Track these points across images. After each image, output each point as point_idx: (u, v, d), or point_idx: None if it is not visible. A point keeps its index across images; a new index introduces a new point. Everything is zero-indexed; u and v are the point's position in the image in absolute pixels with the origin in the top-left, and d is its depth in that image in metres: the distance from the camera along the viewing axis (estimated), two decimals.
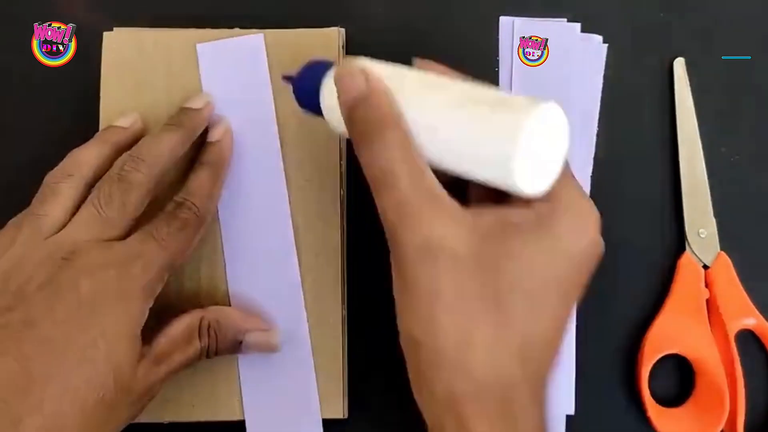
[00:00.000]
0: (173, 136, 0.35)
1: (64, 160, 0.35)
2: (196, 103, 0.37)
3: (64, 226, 0.32)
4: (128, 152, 0.34)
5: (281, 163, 0.38)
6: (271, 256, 0.38)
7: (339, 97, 0.30)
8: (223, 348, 0.35)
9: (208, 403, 0.37)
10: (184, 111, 0.37)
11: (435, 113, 0.28)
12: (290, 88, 0.34)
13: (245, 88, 0.39)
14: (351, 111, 0.29)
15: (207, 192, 0.35)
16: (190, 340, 0.34)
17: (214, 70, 0.39)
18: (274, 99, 0.39)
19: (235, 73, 0.39)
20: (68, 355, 0.29)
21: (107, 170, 0.34)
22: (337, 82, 0.30)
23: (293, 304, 0.37)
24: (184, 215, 0.34)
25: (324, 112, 0.32)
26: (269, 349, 0.37)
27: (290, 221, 0.38)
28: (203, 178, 0.36)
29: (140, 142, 0.35)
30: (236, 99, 0.39)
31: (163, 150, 0.35)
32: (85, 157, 0.35)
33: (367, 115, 0.29)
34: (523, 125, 0.26)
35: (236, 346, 0.35)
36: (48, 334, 0.29)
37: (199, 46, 0.39)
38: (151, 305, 0.32)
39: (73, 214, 0.33)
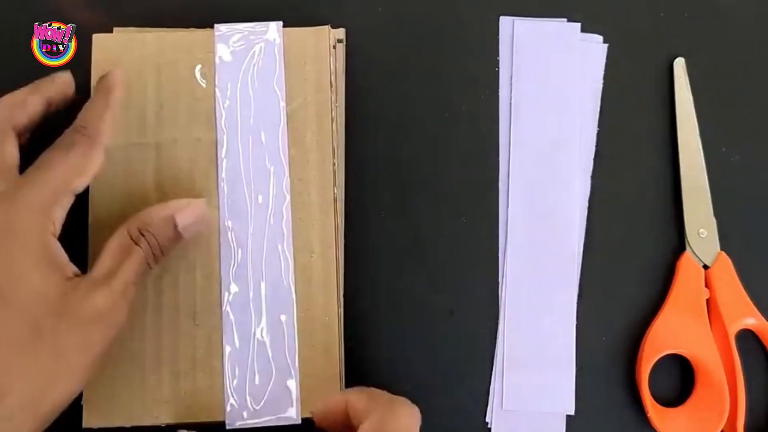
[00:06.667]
0: (21, 89, 0.36)
1: None
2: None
3: None
4: None
5: (286, 158, 0.38)
6: (270, 254, 0.38)
7: None
8: (165, 241, 0.35)
9: (205, 404, 0.37)
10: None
11: None
12: None
13: (260, 76, 0.39)
14: None
15: (96, 114, 0.35)
16: (128, 251, 0.34)
17: (231, 54, 0.39)
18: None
19: (252, 59, 0.39)
20: None
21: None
22: None
23: (287, 302, 0.38)
24: (70, 137, 0.34)
25: None
26: (204, 219, 0.37)
27: (290, 220, 0.38)
28: (92, 103, 0.36)
29: None
30: (249, 88, 0.39)
31: (7, 100, 0.35)
32: None
33: None
34: None
35: (176, 234, 0.35)
36: None
37: (217, 27, 0.39)
38: (55, 231, 0.32)
39: None
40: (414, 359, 0.40)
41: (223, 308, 0.37)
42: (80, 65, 0.42)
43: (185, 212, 0.36)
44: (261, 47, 0.39)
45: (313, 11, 0.42)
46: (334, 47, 0.40)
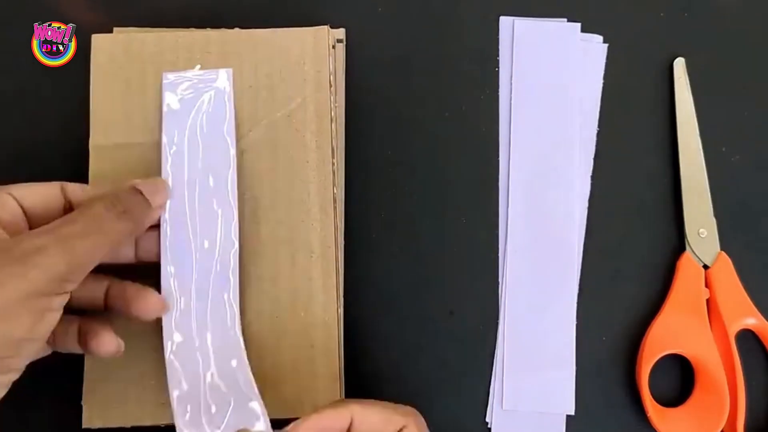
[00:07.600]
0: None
1: None
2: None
3: None
4: None
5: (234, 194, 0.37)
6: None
7: None
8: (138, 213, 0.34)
9: None
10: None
11: None
12: None
13: (212, 122, 0.38)
14: None
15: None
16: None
17: (180, 101, 0.38)
18: (264, 98, 0.39)
19: (202, 106, 0.38)
20: None
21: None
22: None
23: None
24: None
25: None
26: (163, 188, 0.36)
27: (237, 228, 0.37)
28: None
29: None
30: (202, 132, 0.38)
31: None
32: None
33: None
34: None
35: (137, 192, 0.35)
36: None
37: (165, 75, 0.38)
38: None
39: None
40: (414, 359, 0.40)
41: (167, 356, 0.35)
42: (80, 65, 0.42)
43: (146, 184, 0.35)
44: (211, 95, 0.38)
45: (313, 11, 0.42)
46: (334, 47, 0.40)
